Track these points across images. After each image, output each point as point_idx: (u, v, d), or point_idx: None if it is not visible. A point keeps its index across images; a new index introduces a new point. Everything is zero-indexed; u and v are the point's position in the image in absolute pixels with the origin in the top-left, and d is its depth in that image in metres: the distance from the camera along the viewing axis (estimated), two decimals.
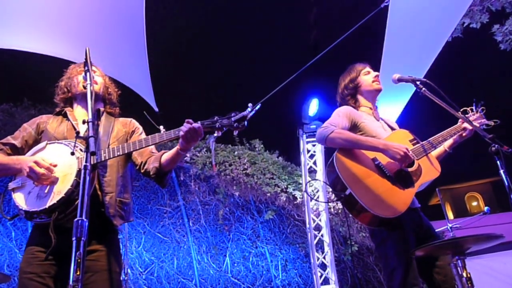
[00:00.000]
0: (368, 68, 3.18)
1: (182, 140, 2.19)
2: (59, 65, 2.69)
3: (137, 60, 6.07)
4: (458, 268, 2.50)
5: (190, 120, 2.15)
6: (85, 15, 5.35)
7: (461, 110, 2.99)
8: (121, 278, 4.75)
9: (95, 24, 5.44)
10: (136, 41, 5.84)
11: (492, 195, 24.53)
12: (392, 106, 6.15)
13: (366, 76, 3.14)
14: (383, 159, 2.77)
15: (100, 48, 5.40)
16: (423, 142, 2.95)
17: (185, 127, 2.15)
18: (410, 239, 2.65)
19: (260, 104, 2.16)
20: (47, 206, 2.10)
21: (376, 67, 3.31)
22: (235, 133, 2.15)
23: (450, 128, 3.03)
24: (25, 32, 5.26)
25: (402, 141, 2.90)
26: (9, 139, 2.46)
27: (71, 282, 1.60)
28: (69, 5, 5.24)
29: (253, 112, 2.13)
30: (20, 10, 5.04)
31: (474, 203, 25.35)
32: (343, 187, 2.67)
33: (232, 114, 2.12)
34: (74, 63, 2.75)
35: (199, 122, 2.14)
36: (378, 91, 3.14)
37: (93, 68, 2.55)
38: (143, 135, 2.59)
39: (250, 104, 2.13)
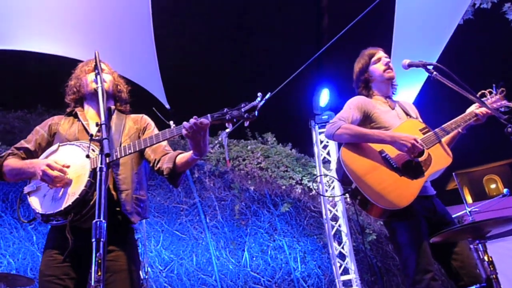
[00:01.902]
0: (379, 54, 3.09)
1: (189, 141, 2.16)
2: (72, 71, 2.68)
3: (146, 59, 6.10)
4: (479, 252, 2.48)
5: (196, 117, 2.10)
6: (95, 15, 5.39)
7: (480, 93, 2.93)
8: (141, 277, 4.79)
9: (104, 24, 5.48)
10: (145, 39, 5.86)
11: (511, 176, 24.18)
12: (407, 90, 6.08)
13: (377, 65, 3.05)
14: (391, 151, 2.74)
15: (111, 48, 5.45)
16: (436, 130, 2.90)
17: (184, 127, 2.10)
18: (422, 227, 2.63)
19: (270, 94, 2.12)
20: (62, 208, 2.12)
21: (387, 53, 3.21)
22: (246, 124, 2.10)
23: (463, 115, 2.98)
24: (35, 33, 5.32)
25: (412, 131, 2.86)
26: (22, 143, 2.47)
27: (93, 283, 1.61)
28: (78, 6, 5.28)
29: (263, 101, 2.08)
30: (31, 11, 5.10)
31: (493, 186, 25.02)
32: (349, 181, 2.67)
33: (242, 105, 2.07)
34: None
35: (208, 115, 2.10)
36: (391, 79, 3.06)
37: (102, 65, 2.54)
38: (156, 131, 2.55)
39: (259, 94, 2.08)
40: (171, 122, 2.23)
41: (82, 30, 5.45)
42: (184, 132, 2.10)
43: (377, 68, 3.06)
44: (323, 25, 6.62)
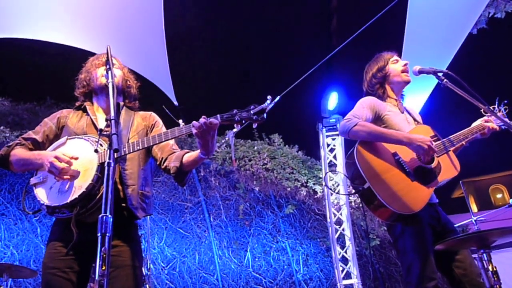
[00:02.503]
0: (396, 57, 3.11)
1: (197, 140, 2.17)
2: (81, 65, 2.69)
3: (156, 55, 6.13)
4: (484, 262, 2.47)
5: (205, 117, 2.12)
6: (106, 7, 5.42)
7: (485, 106, 2.93)
8: (143, 273, 4.79)
9: (116, 17, 5.51)
10: (156, 35, 5.88)
11: None
12: (415, 96, 6.06)
13: (395, 65, 3.07)
14: (404, 154, 2.74)
15: (121, 41, 5.48)
16: (444, 140, 2.90)
17: (194, 126, 2.12)
18: (427, 234, 2.63)
19: (279, 97, 2.14)
20: (68, 201, 2.12)
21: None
22: (254, 125, 2.13)
23: (471, 127, 2.99)
24: (48, 23, 5.36)
25: (424, 136, 2.86)
26: (30, 134, 2.49)
27: (97, 277, 1.62)
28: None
29: (272, 104, 2.11)
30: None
31: (499, 195, 24.84)
32: (362, 180, 2.65)
33: (251, 107, 2.10)
34: (94, 52, 2.75)
35: (218, 115, 2.12)
36: (407, 82, 3.08)
37: (113, 59, 2.55)
38: (164, 129, 2.57)
39: (269, 97, 2.11)
40: (180, 121, 2.26)
41: (93, 21, 5.48)
42: (193, 131, 2.11)
43: (395, 68, 3.07)
44: (332, 28, 6.62)
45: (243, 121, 2.09)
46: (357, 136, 2.77)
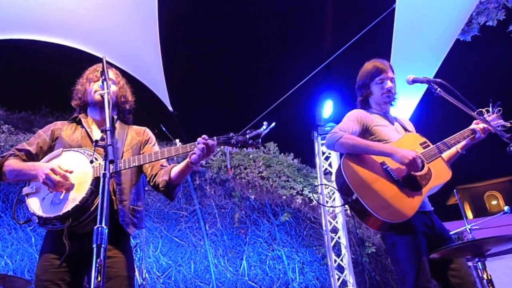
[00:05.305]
0: (385, 74, 3.03)
1: (196, 156, 2.22)
2: (77, 74, 2.70)
3: (151, 60, 6.13)
4: (479, 270, 2.47)
5: (205, 136, 2.19)
6: (101, 13, 5.44)
7: (477, 111, 2.95)
8: (136, 283, 4.76)
9: (110, 21, 5.51)
10: (152, 43, 5.89)
11: None
12: (405, 101, 6.08)
13: (379, 86, 3.04)
14: (392, 164, 2.75)
15: (116, 48, 5.48)
16: (438, 144, 2.91)
17: (200, 144, 2.18)
18: (422, 243, 2.62)
19: (274, 123, 2.22)
20: (61, 213, 2.13)
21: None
22: (249, 149, 2.23)
23: (462, 131, 3.01)
24: (44, 23, 5.36)
25: (412, 145, 2.87)
26: (24, 145, 2.49)
27: None
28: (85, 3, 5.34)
29: (268, 130, 2.20)
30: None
31: (494, 202, 24.95)
32: (350, 192, 2.66)
33: (248, 132, 2.18)
34: (90, 62, 2.76)
35: (214, 138, 2.19)
36: (386, 103, 3.08)
37: (110, 72, 2.56)
38: (156, 146, 2.63)
39: (265, 122, 2.20)
40: (177, 140, 2.33)
41: (88, 26, 5.46)
42: (198, 152, 2.18)
43: (378, 90, 3.05)
44: (326, 36, 6.66)
45: (239, 144, 2.19)
46: (342, 149, 2.80)
